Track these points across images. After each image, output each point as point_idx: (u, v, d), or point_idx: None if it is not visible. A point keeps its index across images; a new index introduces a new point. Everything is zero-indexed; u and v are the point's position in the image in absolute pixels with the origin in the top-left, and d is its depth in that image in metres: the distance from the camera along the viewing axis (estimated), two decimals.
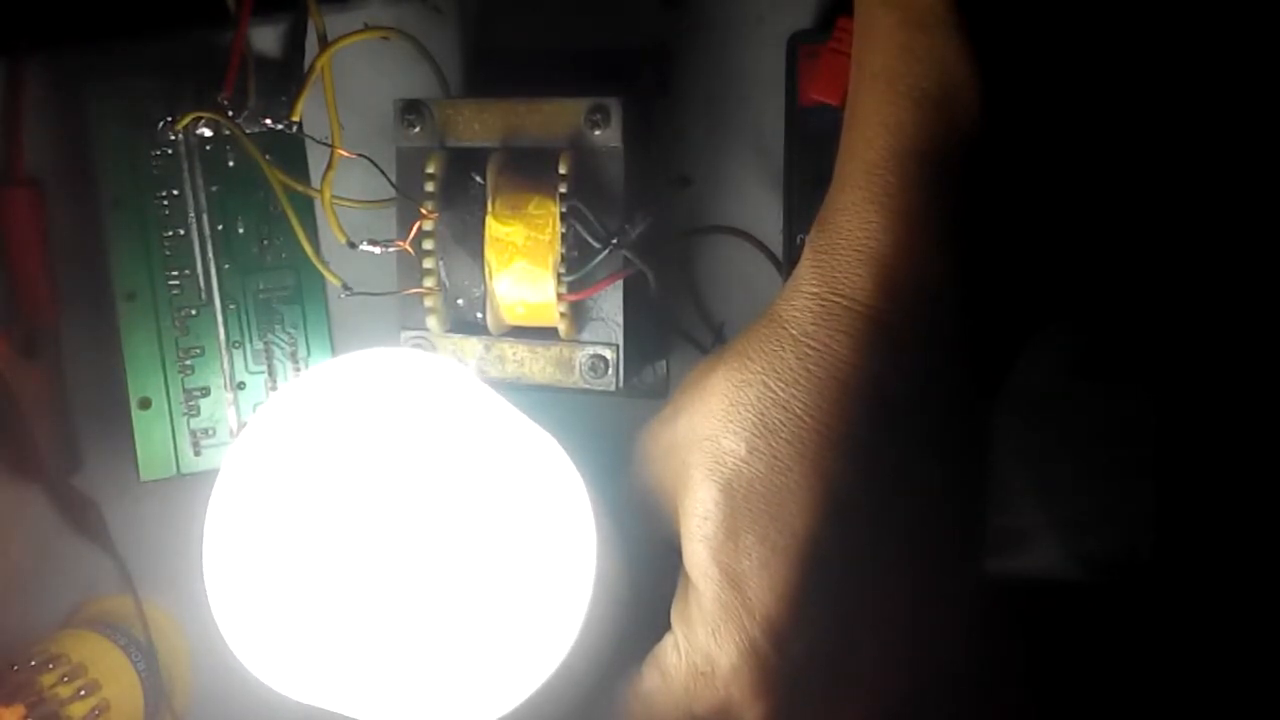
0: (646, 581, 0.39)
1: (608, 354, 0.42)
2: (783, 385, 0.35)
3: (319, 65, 0.42)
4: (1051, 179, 0.36)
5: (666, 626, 0.37)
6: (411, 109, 0.42)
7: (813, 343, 0.34)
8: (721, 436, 0.35)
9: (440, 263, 0.42)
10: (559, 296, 0.41)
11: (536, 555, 0.37)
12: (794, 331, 0.35)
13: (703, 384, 0.37)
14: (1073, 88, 0.36)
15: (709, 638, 0.35)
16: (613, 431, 0.46)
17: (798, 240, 0.42)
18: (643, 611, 0.39)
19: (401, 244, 0.42)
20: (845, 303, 0.34)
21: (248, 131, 0.44)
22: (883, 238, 0.34)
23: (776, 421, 0.34)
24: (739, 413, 0.35)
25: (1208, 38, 0.38)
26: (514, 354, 0.43)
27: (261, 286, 0.47)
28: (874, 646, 0.35)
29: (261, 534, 0.38)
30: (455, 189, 0.42)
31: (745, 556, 0.34)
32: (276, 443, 0.38)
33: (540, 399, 0.47)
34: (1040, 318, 0.37)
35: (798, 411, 0.34)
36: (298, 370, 0.48)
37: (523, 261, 0.41)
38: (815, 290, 0.35)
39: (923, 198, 0.34)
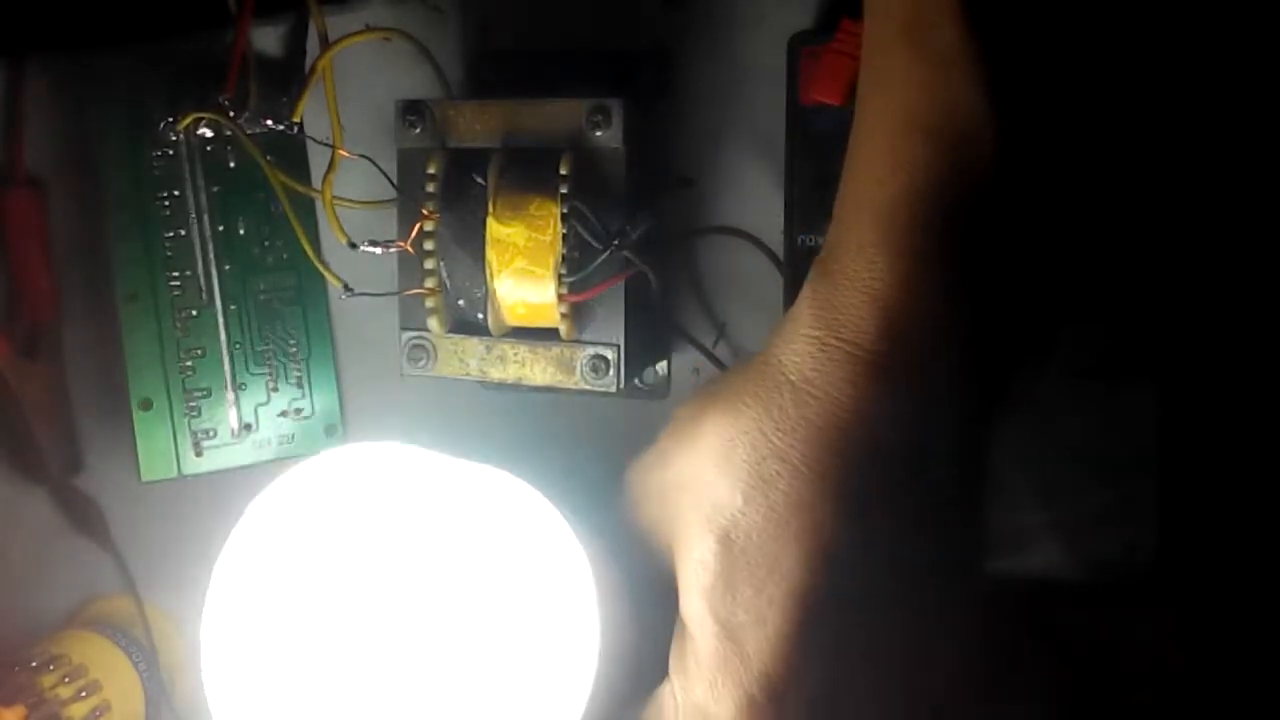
0: (650, 616, 0.39)
1: (609, 355, 0.42)
2: (780, 434, 0.34)
3: (320, 66, 0.42)
4: (1068, 221, 0.35)
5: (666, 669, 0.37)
6: (413, 109, 0.42)
7: (813, 390, 0.33)
8: (716, 485, 0.34)
9: (441, 263, 0.42)
10: (560, 297, 0.41)
11: (539, 628, 0.37)
12: (793, 377, 0.34)
13: (695, 427, 0.36)
14: (1091, 129, 0.35)
15: (706, 691, 0.34)
16: (613, 433, 0.46)
17: (799, 241, 0.42)
18: (648, 644, 0.39)
19: (402, 244, 0.42)
20: (847, 348, 0.33)
21: (249, 132, 0.44)
22: (889, 280, 0.33)
23: (773, 473, 0.33)
24: (734, 462, 0.34)
25: (1229, 80, 0.38)
26: (515, 355, 0.43)
27: (262, 287, 0.47)
28: (872, 702, 0.34)
29: (261, 637, 0.38)
30: (456, 190, 0.42)
31: (742, 609, 0.34)
32: (269, 546, 0.39)
33: (541, 400, 0.47)
34: (1046, 351, 0.37)
35: (795, 462, 0.33)
36: (299, 370, 0.48)
37: (524, 262, 0.41)
38: (816, 334, 0.34)
39: (932, 240, 0.33)
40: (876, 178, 0.34)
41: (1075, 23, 0.34)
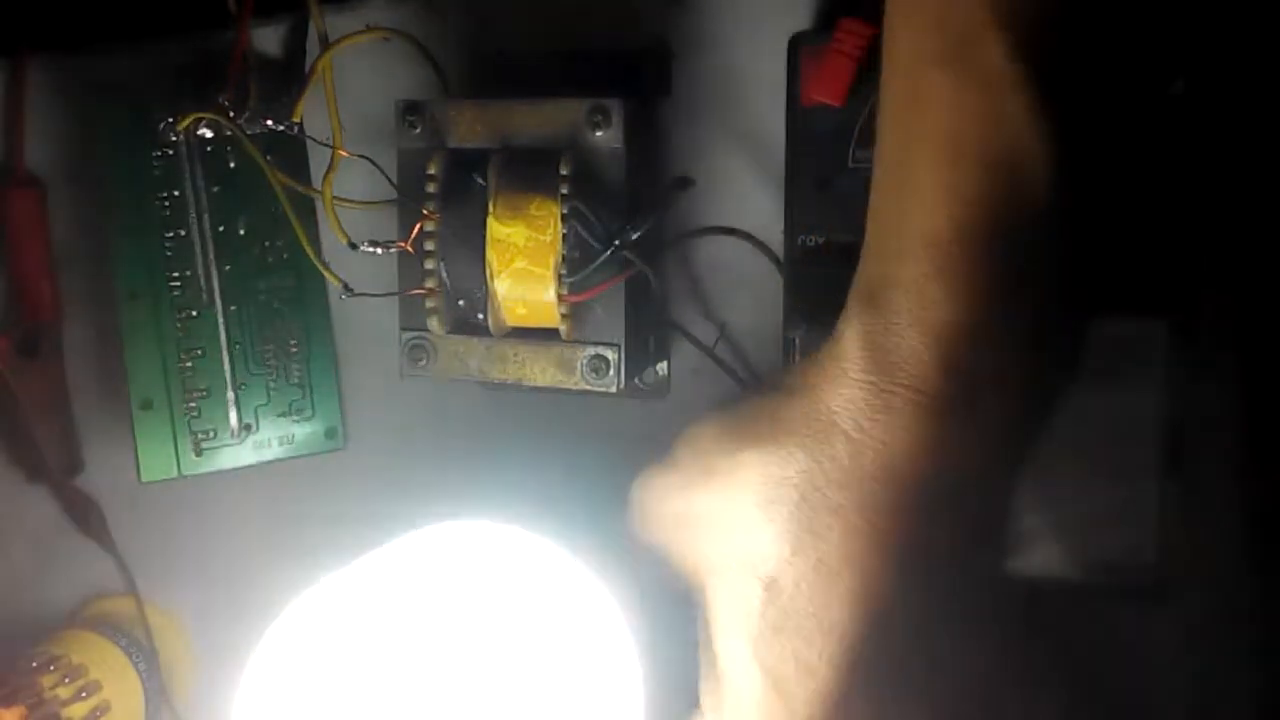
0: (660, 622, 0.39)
1: (609, 355, 0.42)
2: (834, 488, 0.32)
3: (320, 66, 0.42)
4: (1126, 241, 0.34)
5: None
6: (412, 110, 0.42)
7: (869, 439, 0.32)
8: (760, 531, 0.33)
9: (441, 264, 0.42)
10: (560, 297, 0.41)
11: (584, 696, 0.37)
12: (845, 426, 0.32)
13: (730, 463, 0.34)
14: (1147, 147, 0.34)
15: None
16: (614, 433, 0.46)
17: (799, 242, 0.42)
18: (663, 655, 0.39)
19: (403, 245, 0.42)
20: (907, 393, 0.32)
21: (249, 132, 0.44)
22: (948, 317, 0.31)
23: (825, 526, 0.32)
24: (781, 510, 0.33)
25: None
26: (515, 355, 0.42)
27: (262, 287, 0.47)
28: None
29: None
30: (456, 190, 0.42)
31: (789, 661, 0.33)
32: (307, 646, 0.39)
33: (541, 400, 0.47)
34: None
35: (850, 516, 0.32)
36: (299, 370, 0.48)
37: (524, 262, 0.41)
38: (870, 378, 0.32)
39: (991, 273, 0.31)
40: (926, 208, 0.32)
41: (1125, 34, 0.33)
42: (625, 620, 0.38)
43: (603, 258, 0.40)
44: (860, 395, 0.32)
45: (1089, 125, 0.32)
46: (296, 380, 0.48)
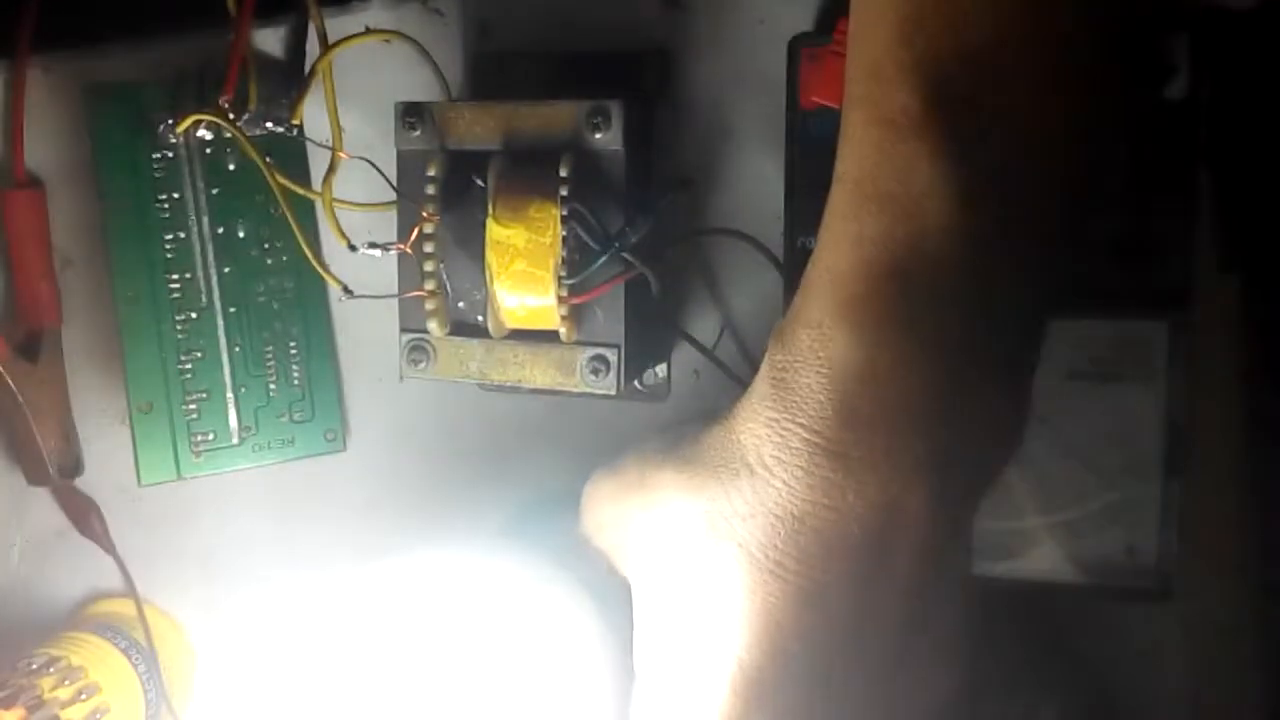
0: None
1: (609, 356, 0.42)
2: (737, 519, 0.33)
3: (320, 68, 0.42)
4: (1037, 285, 0.33)
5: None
6: (412, 111, 0.42)
7: (770, 477, 0.32)
8: (672, 552, 0.34)
9: (441, 266, 0.42)
10: (560, 299, 0.41)
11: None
12: (750, 460, 0.33)
13: (656, 481, 0.35)
14: (1054, 189, 0.32)
15: None
16: (613, 435, 0.46)
17: (799, 243, 0.42)
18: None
19: (402, 246, 0.42)
20: (804, 434, 0.32)
21: (249, 134, 0.44)
22: (846, 359, 0.31)
23: (728, 555, 0.33)
24: (690, 536, 0.34)
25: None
26: (515, 357, 0.42)
27: (262, 289, 0.47)
28: None
29: None
30: (456, 192, 0.41)
31: (691, 677, 0.33)
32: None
33: (540, 402, 0.47)
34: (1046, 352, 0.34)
35: (751, 549, 0.32)
36: (299, 372, 0.48)
37: (524, 264, 0.41)
38: (774, 416, 0.32)
39: (890, 314, 0.31)
40: (834, 246, 0.32)
41: (1043, 78, 0.31)
42: (593, 642, 0.38)
43: (602, 259, 0.40)
44: (765, 433, 0.32)
45: (1002, 174, 0.31)
46: (296, 382, 0.48)
